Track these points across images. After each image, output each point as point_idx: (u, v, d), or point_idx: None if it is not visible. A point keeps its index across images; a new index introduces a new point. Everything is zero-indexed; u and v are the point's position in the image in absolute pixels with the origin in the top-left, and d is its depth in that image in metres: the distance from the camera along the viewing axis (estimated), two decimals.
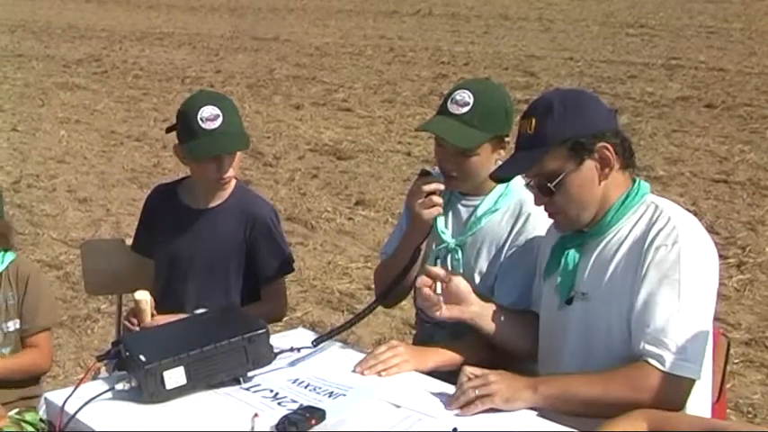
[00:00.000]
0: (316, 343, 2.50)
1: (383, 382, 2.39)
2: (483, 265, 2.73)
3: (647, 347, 2.17)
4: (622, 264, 2.28)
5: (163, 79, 12.94)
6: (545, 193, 2.33)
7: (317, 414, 2.16)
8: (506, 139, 2.70)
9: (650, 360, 2.15)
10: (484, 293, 2.67)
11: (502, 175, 2.51)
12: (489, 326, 2.51)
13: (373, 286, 3.11)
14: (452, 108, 2.63)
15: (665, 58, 13.51)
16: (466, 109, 2.61)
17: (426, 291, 2.47)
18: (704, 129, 9.25)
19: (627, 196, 2.33)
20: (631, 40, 15.70)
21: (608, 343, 2.28)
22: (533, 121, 2.31)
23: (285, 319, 4.95)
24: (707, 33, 16.19)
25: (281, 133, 9.54)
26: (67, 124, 10.19)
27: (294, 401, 2.25)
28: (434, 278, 2.46)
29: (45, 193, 7.57)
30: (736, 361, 4.39)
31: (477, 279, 2.72)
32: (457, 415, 2.18)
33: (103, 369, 2.92)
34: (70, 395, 2.25)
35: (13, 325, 3.08)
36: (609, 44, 15.20)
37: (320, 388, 2.34)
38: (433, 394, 2.30)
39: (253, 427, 2.11)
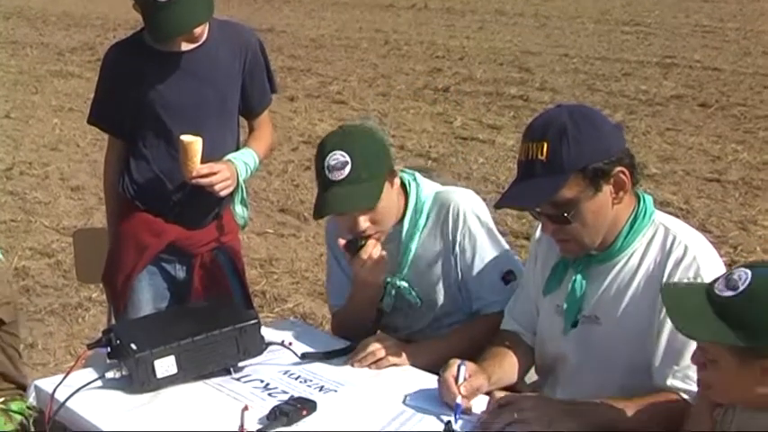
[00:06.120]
0: (304, 357, 2.47)
1: (375, 379, 2.38)
2: (439, 286, 2.65)
3: (679, 384, 2.14)
4: (639, 292, 2.21)
5: None
6: (558, 221, 2.18)
7: (309, 405, 2.17)
8: (395, 168, 2.56)
9: (683, 395, 2.13)
10: (450, 308, 2.65)
11: (517, 206, 2.38)
12: (505, 381, 2.39)
13: None
14: (334, 176, 2.42)
15: (659, 56, 13.51)
16: (348, 169, 2.41)
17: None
18: (698, 128, 9.26)
19: (635, 218, 2.22)
20: (626, 37, 15.69)
21: (621, 364, 2.24)
22: (545, 145, 2.12)
23: (276, 309, 4.99)
24: (702, 32, 16.19)
25: (275, 125, 9.44)
26: (61, 112, 10.15)
27: (285, 392, 2.27)
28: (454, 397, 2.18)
29: (38, 180, 7.55)
30: None
31: (441, 300, 2.66)
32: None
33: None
34: (60, 383, 2.25)
35: None
36: (604, 41, 15.19)
37: (311, 381, 2.35)
38: (428, 389, 2.29)
39: (242, 421, 2.11)
